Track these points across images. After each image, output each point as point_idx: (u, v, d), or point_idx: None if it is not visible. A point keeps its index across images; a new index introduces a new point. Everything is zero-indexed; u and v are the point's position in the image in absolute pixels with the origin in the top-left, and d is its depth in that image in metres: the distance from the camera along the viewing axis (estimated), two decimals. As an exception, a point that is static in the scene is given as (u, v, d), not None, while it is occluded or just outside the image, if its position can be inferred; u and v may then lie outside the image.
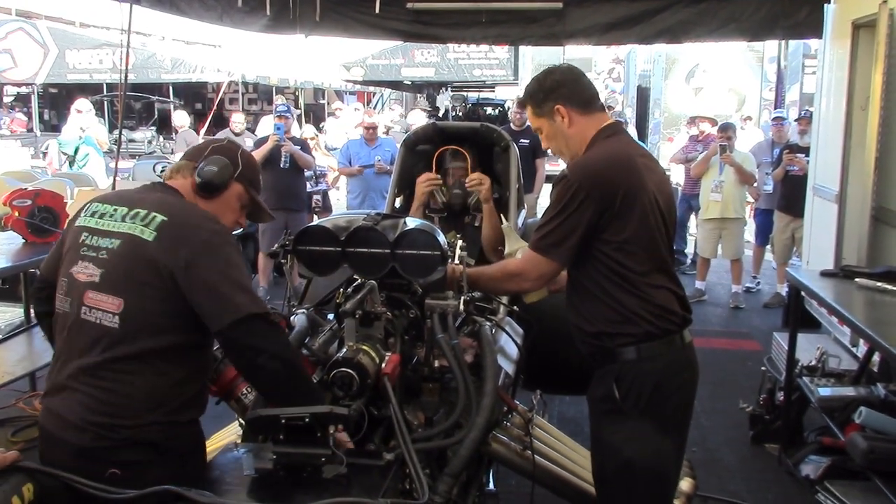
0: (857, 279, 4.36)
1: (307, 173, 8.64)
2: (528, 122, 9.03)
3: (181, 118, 12.37)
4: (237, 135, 10.32)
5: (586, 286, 2.56)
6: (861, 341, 4.89)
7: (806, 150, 7.52)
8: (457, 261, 2.70)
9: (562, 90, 2.61)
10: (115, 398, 2.11)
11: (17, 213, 5.09)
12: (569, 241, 2.48)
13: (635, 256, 2.48)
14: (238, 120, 10.23)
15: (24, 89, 22.11)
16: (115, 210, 2.24)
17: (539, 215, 5.85)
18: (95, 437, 2.09)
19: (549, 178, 9.14)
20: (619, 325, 2.50)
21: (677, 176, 9.75)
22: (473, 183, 3.81)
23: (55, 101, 23.15)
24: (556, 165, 13.15)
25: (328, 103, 24.27)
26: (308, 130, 10.29)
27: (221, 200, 2.39)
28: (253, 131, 11.71)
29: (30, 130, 20.97)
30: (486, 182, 3.85)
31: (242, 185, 2.43)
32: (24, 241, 5.12)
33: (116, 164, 6.67)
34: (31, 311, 2.81)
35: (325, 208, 9.15)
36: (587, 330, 2.58)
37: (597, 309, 2.54)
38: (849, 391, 4.27)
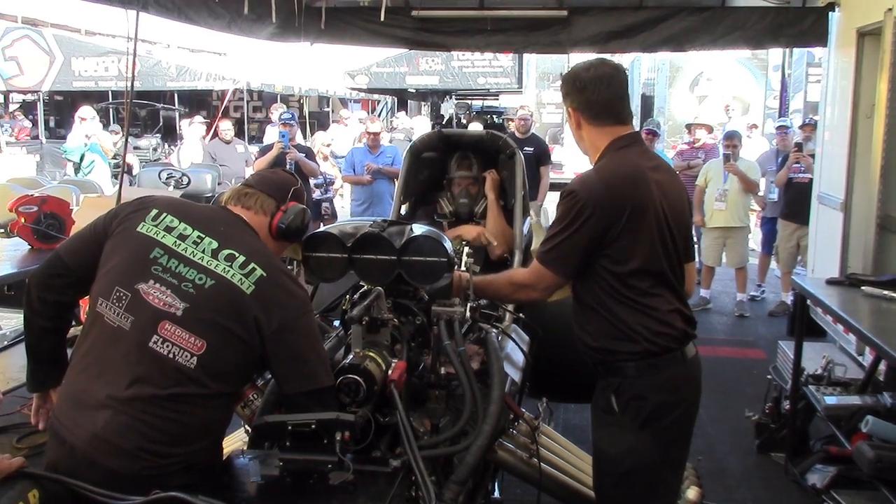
0: (862, 287, 4.34)
1: (318, 181, 8.68)
2: (531, 131, 9.14)
3: (197, 130, 12.32)
4: (227, 143, 10.36)
5: (588, 301, 2.56)
6: (867, 349, 4.86)
7: (811, 156, 7.52)
8: (463, 268, 2.70)
9: (579, 96, 2.59)
10: (173, 428, 2.03)
11: (23, 220, 5.11)
12: (573, 257, 2.49)
13: (638, 273, 2.47)
14: (226, 127, 10.24)
15: (29, 97, 22.16)
16: (200, 237, 2.16)
17: (542, 222, 5.84)
18: (147, 464, 2.01)
19: (553, 186, 9.17)
20: (620, 343, 2.50)
21: None
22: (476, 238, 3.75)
23: (61, 109, 23.19)
24: (560, 173, 13.20)
25: (333, 111, 24.31)
26: (323, 137, 10.29)
27: (284, 246, 2.47)
28: (260, 139, 11.74)
29: (35, 138, 21.02)
30: (494, 176, 3.93)
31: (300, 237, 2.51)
32: (29, 247, 5.13)
33: (122, 171, 6.67)
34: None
35: (334, 216, 9.18)
36: (590, 344, 2.58)
37: (598, 324, 2.54)
38: (855, 400, 4.25)
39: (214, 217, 2.29)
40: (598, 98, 2.57)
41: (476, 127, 11.30)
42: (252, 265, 2.13)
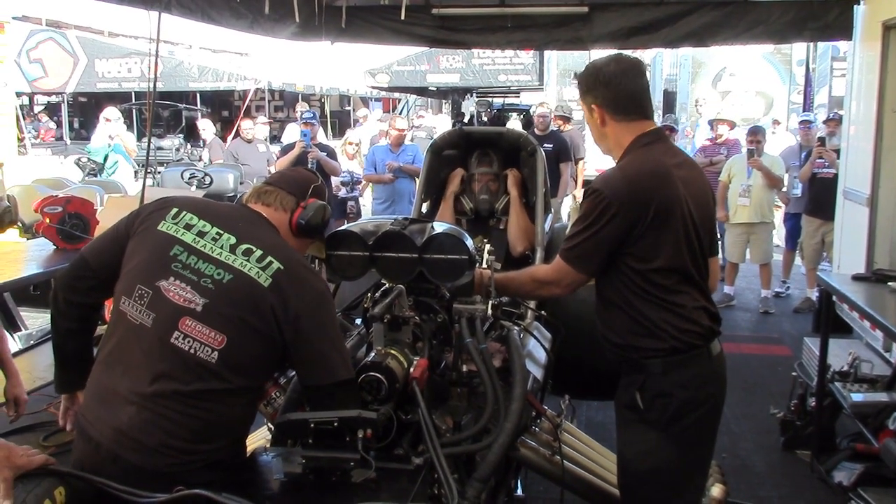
0: (889, 283, 4.30)
1: (343, 179, 8.70)
2: (551, 128, 9.12)
3: (206, 127, 12.45)
4: (249, 142, 10.40)
5: (612, 298, 2.54)
6: (894, 346, 4.82)
7: (835, 153, 7.44)
8: (484, 265, 2.69)
9: (603, 91, 2.54)
10: (196, 424, 2.06)
11: (48, 220, 5.16)
12: (597, 255, 2.47)
13: (662, 271, 2.45)
14: (248, 126, 10.25)
15: (54, 98, 22.41)
16: (218, 233, 2.18)
17: (564, 220, 5.82)
18: (170, 461, 2.03)
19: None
20: (644, 339, 2.48)
21: None
22: None
23: (85, 110, 23.42)
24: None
25: (353, 110, 24.37)
26: (352, 136, 10.29)
27: (307, 242, 2.47)
28: (279, 138, 11.77)
29: (59, 139, 21.23)
30: (516, 173, 3.92)
31: (321, 234, 2.50)
32: (54, 247, 5.18)
33: (146, 172, 6.71)
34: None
35: (359, 214, 9.21)
36: (614, 341, 2.57)
37: (622, 321, 2.52)
38: (882, 397, 4.21)
39: (233, 214, 2.31)
40: (624, 92, 2.54)
41: (515, 125, 11.26)
42: (269, 258, 2.14)
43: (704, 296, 2.57)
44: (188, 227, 2.19)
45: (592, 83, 2.56)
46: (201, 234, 2.18)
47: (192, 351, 2.05)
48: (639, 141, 2.53)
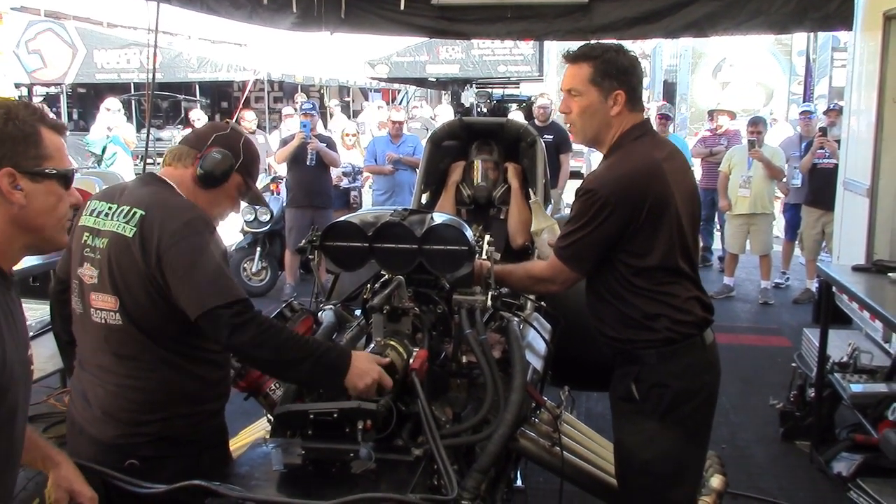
0: (889, 274, 4.30)
1: (344, 169, 8.68)
2: (552, 118, 9.09)
3: (199, 117, 12.41)
4: (250, 133, 10.35)
5: (603, 293, 2.55)
6: (894, 336, 4.82)
7: (836, 143, 7.43)
8: (484, 256, 2.69)
9: (631, 79, 2.50)
10: (135, 395, 2.16)
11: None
12: (592, 254, 2.48)
13: (653, 265, 2.45)
14: (249, 118, 10.21)
15: (52, 89, 22.35)
16: (110, 208, 2.25)
17: (563, 210, 5.82)
18: (121, 433, 2.15)
19: (573, 175, 9.12)
20: (638, 332, 2.49)
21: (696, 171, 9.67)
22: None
23: (84, 101, 23.37)
24: (581, 161, 13.11)
25: (353, 101, 24.33)
26: (349, 127, 10.25)
27: (221, 191, 2.39)
28: (276, 128, 11.72)
29: (59, 130, 21.13)
30: (516, 166, 3.91)
31: (242, 176, 2.41)
32: (54, 238, 5.17)
33: (144, 163, 6.71)
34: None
35: (362, 205, 9.19)
36: (608, 333, 2.58)
37: (615, 314, 2.53)
38: (881, 387, 4.22)
39: (130, 186, 2.36)
40: (641, 82, 2.56)
41: (518, 117, 11.21)
42: (133, 210, 2.19)
43: (697, 286, 2.57)
44: (94, 212, 2.29)
45: (623, 68, 2.49)
46: (100, 215, 2.26)
47: (103, 321, 2.18)
48: (630, 134, 2.52)
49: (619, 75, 2.48)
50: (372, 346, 2.37)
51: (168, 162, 2.39)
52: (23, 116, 1.60)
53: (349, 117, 19.25)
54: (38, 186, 1.61)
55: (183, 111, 20.66)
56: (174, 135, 19.24)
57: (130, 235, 2.15)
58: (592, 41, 2.60)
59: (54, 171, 1.64)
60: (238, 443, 2.88)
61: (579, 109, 2.52)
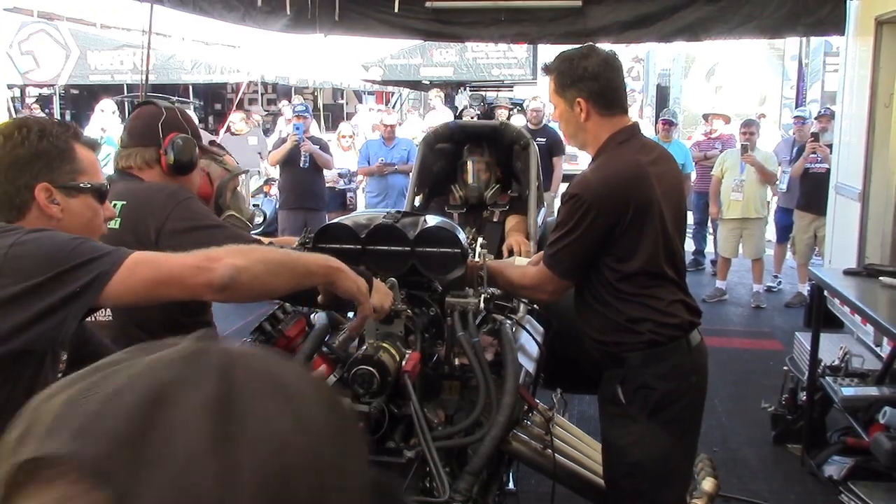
0: (880, 278, 4.31)
1: (340, 171, 8.68)
2: (544, 122, 9.11)
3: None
4: (238, 135, 10.32)
5: (588, 297, 2.56)
6: (885, 340, 4.83)
7: (828, 147, 7.46)
8: (477, 258, 2.69)
9: (590, 84, 2.50)
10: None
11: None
12: (580, 261, 2.49)
13: (638, 268, 2.46)
14: (236, 119, 10.15)
15: (45, 90, 22.29)
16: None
17: (556, 213, 5.82)
18: None
19: (566, 178, 9.12)
20: (623, 335, 2.50)
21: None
22: None
23: (77, 103, 23.31)
24: (575, 165, 13.10)
25: (347, 103, 24.30)
26: (345, 128, 10.24)
27: (195, 172, 2.45)
28: (272, 131, 11.69)
29: (51, 131, 21.06)
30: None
31: (200, 150, 2.46)
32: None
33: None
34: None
35: (357, 207, 9.19)
36: (594, 337, 2.59)
37: (600, 318, 2.54)
38: (872, 391, 4.23)
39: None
40: (610, 85, 2.53)
41: (518, 119, 11.22)
42: (114, 202, 2.17)
43: (682, 290, 2.58)
44: None
45: (578, 76, 2.51)
46: None
47: (93, 318, 2.13)
48: (615, 138, 2.53)
49: (575, 83, 2.51)
50: (364, 347, 2.37)
51: (134, 166, 2.40)
52: (57, 133, 1.64)
53: (344, 119, 19.21)
54: (73, 201, 1.66)
55: (176, 113, 20.60)
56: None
57: (118, 227, 2.17)
58: (567, 50, 2.60)
59: (89, 185, 1.68)
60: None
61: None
